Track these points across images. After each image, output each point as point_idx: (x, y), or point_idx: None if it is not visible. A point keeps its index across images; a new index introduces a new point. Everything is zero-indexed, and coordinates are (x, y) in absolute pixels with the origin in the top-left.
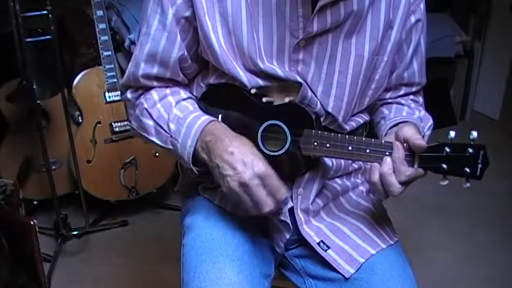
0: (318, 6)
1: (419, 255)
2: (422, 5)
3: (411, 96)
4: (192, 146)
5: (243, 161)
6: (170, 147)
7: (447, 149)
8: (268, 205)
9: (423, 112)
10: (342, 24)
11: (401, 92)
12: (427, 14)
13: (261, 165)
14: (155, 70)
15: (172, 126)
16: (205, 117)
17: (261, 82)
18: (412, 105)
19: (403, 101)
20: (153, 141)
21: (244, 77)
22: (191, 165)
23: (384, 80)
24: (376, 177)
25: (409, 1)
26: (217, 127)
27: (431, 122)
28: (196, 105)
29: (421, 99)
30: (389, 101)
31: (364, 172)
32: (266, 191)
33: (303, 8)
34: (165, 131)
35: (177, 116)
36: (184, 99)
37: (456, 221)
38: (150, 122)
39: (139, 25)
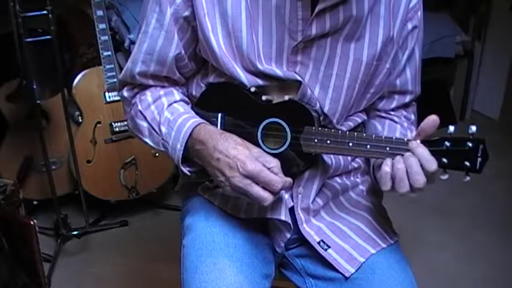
0: (316, 10)
1: (419, 255)
2: (419, 13)
3: (404, 112)
4: (181, 150)
5: (229, 165)
6: (162, 149)
7: (447, 143)
8: (265, 199)
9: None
10: (341, 28)
11: (394, 104)
12: (427, 13)
13: (247, 164)
14: (152, 68)
15: (163, 129)
16: (193, 120)
17: (260, 82)
18: (405, 124)
19: (396, 119)
20: (146, 142)
21: (244, 77)
22: (181, 168)
23: (383, 86)
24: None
25: (407, 8)
26: (203, 131)
27: None
28: (187, 107)
29: (413, 117)
30: (383, 114)
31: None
32: (261, 186)
33: (303, 11)
34: (157, 133)
35: (167, 118)
36: (176, 101)
37: (456, 221)
38: (144, 124)
39: (140, 23)
